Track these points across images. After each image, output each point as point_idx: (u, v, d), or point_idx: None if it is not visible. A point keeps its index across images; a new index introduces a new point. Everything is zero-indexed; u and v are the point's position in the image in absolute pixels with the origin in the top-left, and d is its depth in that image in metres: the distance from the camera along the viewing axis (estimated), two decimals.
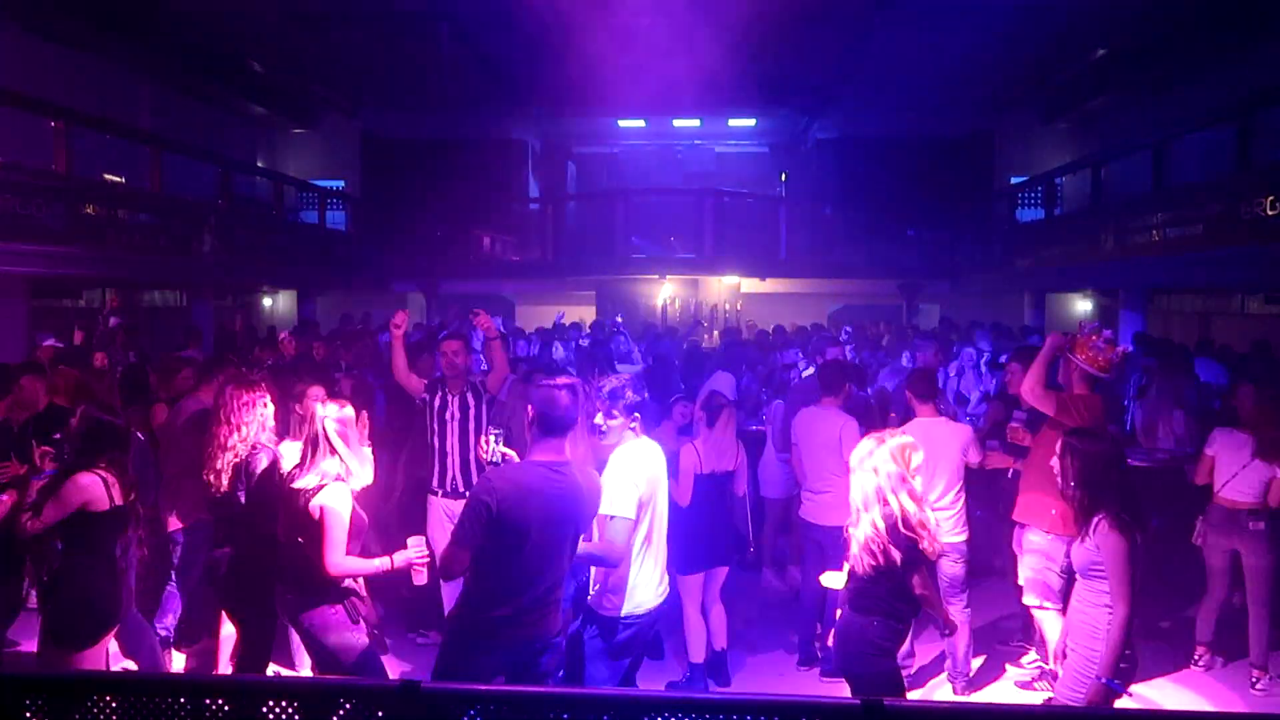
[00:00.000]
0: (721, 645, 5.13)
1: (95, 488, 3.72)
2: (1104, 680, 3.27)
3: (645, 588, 3.59)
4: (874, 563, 3.46)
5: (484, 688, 2.66)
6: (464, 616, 3.25)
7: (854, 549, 3.57)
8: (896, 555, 3.44)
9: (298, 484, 3.56)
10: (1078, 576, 3.49)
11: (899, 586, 3.54)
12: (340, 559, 3.51)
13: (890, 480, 3.50)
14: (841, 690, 4.92)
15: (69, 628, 3.74)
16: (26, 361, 6.25)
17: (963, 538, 4.99)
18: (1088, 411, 4.69)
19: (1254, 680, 5.07)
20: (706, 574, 5.03)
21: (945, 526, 4.84)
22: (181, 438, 4.99)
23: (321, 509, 3.49)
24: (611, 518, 3.41)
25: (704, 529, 5.00)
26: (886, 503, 3.49)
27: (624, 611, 3.55)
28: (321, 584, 3.54)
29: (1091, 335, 4.75)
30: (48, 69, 11.84)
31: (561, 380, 3.34)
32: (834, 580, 3.87)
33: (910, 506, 3.50)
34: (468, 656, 3.21)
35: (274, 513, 3.73)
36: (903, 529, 3.45)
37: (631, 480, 3.47)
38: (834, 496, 5.20)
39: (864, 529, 3.51)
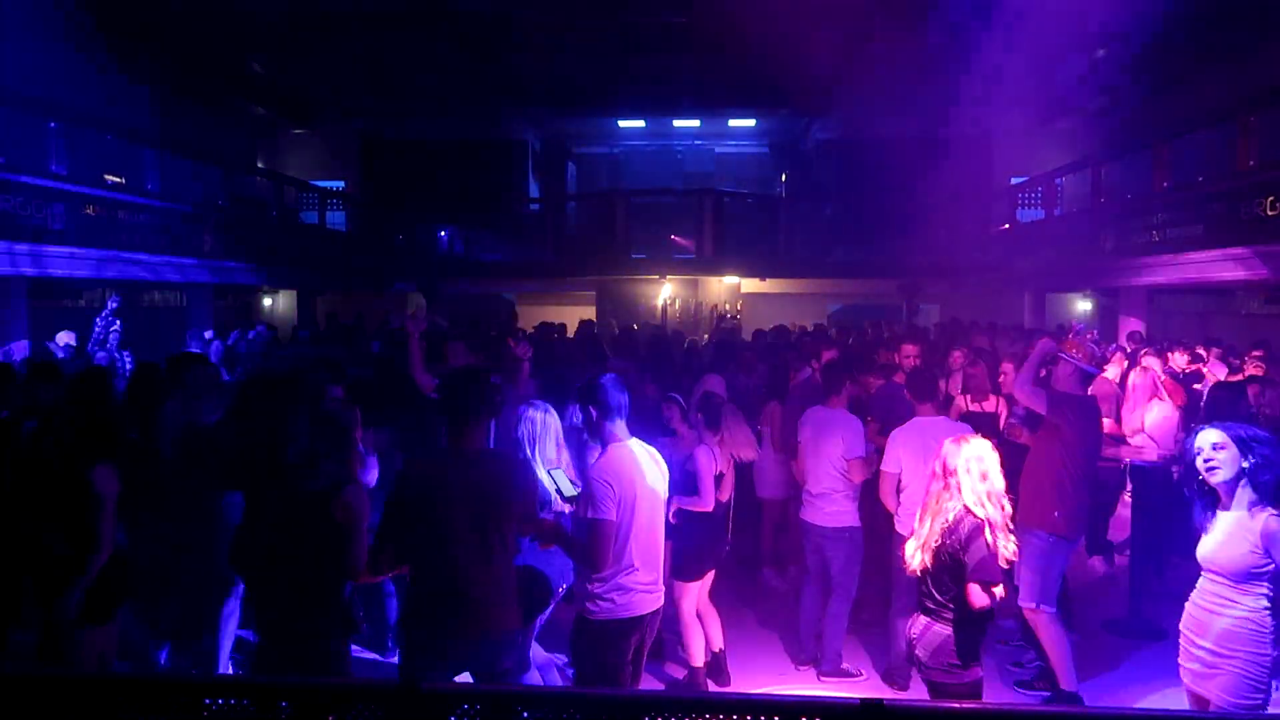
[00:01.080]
0: (719, 646, 5.11)
1: (112, 473, 3.83)
2: None
3: (634, 592, 3.48)
4: (942, 567, 3.40)
5: (483, 687, 2.66)
6: (410, 612, 3.23)
7: (920, 556, 3.49)
8: (964, 559, 3.34)
9: (309, 487, 3.51)
10: (1224, 579, 3.23)
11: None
12: (364, 564, 3.44)
13: (968, 485, 3.43)
14: (840, 689, 4.94)
15: (87, 605, 3.77)
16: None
17: None
18: (1080, 410, 4.71)
19: None
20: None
21: None
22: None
23: (346, 510, 3.36)
24: (591, 519, 3.36)
25: (705, 534, 4.98)
26: (968, 508, 3.41)
27: (614, 616, 3.45)
28: (324, 590, 3.45)
29: (1079, 334, 4.83)
30: (48, 69, 11.84)
31: (464, 368, 3.30)
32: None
33: (993, 514, 3.40)
34: (423, 652, 3.18)
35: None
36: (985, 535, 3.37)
37: (611, 482, 3.38)
38: (835, 498, 5.20)
39: (933, 532, 3.45)
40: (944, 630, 3.43)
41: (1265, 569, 3.13)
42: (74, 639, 3.74)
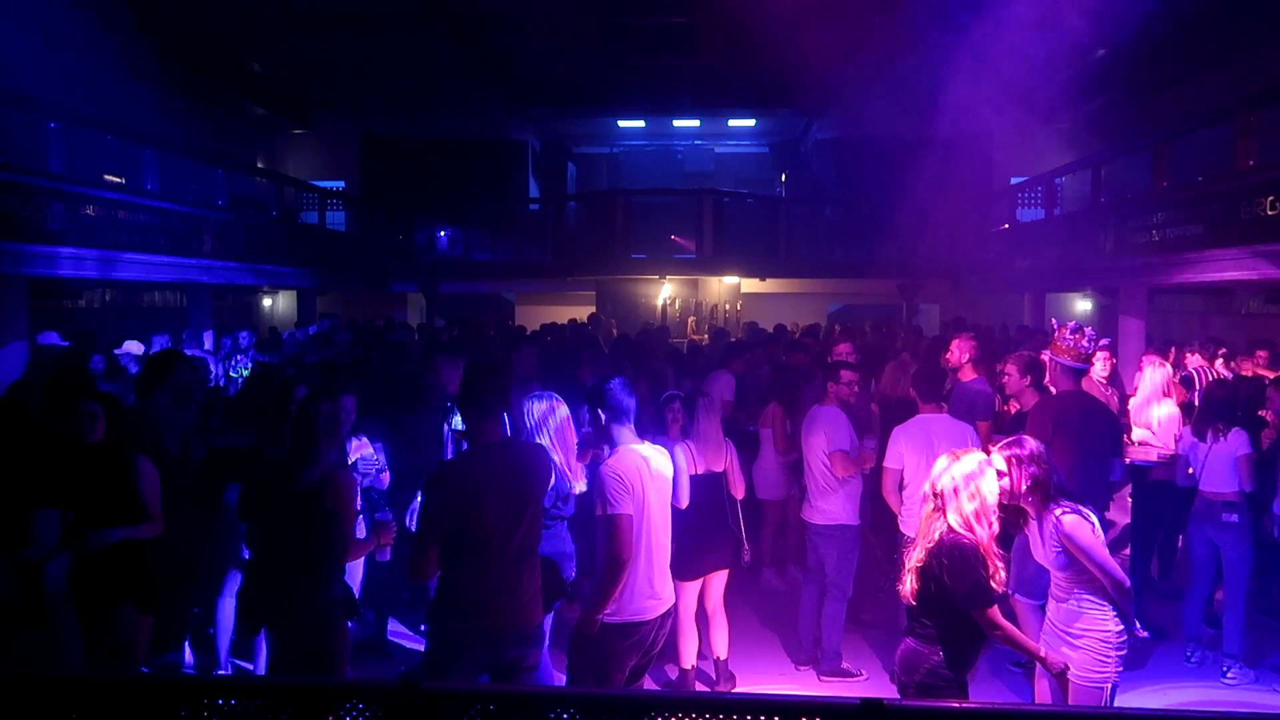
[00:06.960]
0: (722, 655, 5.03)
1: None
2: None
3: (640, 595, 3.48)
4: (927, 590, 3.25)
5: (484, 687, 2.66)
6: (442, 608, 3.28)
7: (909, 580, 3.31)
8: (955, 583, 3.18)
9: (301, 484, 3.54)
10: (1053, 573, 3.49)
11: (959, 618, 3.23)
12: (351, 545, 3.63)
13: (954, 506, 3.25)
14: (840, 689, 4.94)
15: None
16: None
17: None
18: (1067, 415, 4.76)
19: (1225, 670, 5.12)
20: (704, 580, 4.95)
21: None
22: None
23: (334, 496, 3.46)
24: (609, 516, 3.39)
25: (698, 532, 4.90)
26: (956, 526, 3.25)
27: (618, 619, 3.45)
28: (324, 579, 3.51)
29: (1063, 331, 4.89)
30: (48, 69, 11.84)
31: (482, 363, 3.42)
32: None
33: (982, 534, 3.23)
34: (451, 649, 3.22)
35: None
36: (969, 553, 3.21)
37: (624, 477, 3.41)
38: (827, 495, 5.20)
39: (919, 553, 3.28)
40: (925, 651, 3.26)
41: (1069, 563, 3.36)
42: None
